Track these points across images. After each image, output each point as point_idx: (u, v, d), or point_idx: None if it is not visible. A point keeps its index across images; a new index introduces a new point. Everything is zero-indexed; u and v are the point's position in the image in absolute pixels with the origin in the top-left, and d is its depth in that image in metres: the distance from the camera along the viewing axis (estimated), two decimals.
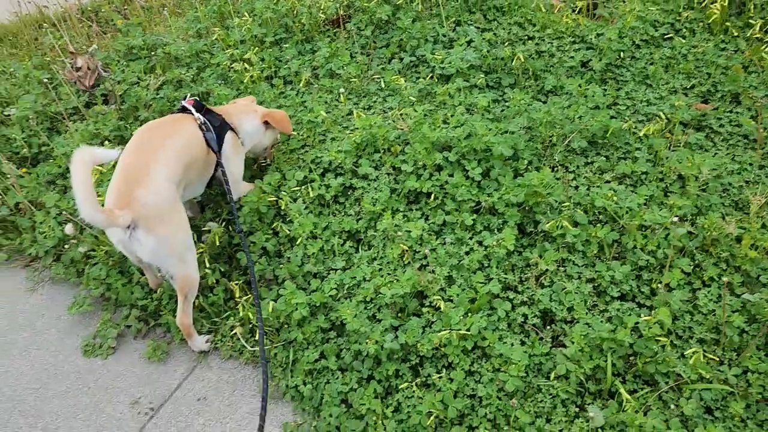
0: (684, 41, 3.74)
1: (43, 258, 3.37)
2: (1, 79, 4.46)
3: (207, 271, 2.86)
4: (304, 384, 2.55)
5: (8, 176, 3.58)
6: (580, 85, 3.43)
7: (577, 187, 2.97)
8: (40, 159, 3.85)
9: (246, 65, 4.00)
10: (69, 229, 3.15)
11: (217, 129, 2.88)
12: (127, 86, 3.99)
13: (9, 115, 3.98)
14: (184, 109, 2.89)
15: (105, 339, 2.95)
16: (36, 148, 3.83)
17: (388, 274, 2.73)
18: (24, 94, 4.17)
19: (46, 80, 4.12)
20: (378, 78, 3.87)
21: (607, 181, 2.98)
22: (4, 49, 5.35)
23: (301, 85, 3.87)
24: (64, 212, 3.32)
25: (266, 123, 3.16)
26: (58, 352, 2.98)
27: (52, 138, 3.85)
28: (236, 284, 2.89)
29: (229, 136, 2.94)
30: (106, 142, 3.51)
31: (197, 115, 2.85)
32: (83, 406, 2.73)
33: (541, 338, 2.45)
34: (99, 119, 3.79)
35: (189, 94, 3.33)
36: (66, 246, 3.27)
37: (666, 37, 3.84)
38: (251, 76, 3.93)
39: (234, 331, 2.79)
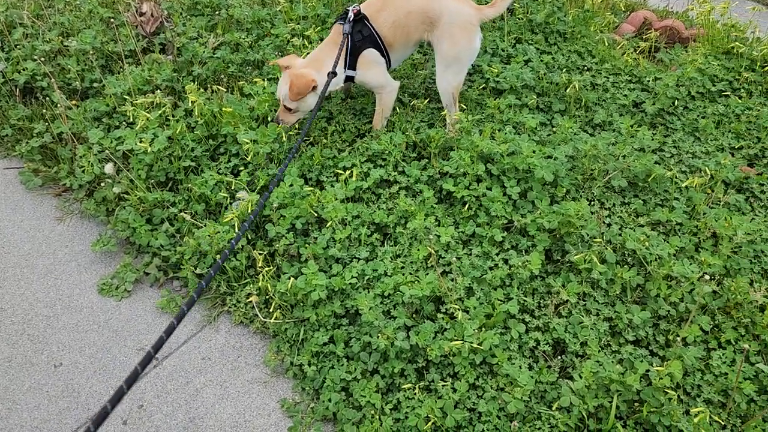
0: (740, 101, 3.73)
1: (77, 191, 3.42)
2: (65, 10, 4.52)
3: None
4: (309, 365, 2.58)
5: (58, 105, 3.63)
6: (630, 125, 3.44)
7: (609, 225, 2.97)
8: (90, 94, 3.89)
9: (305, 41, 4.02)
10: (108, 168, 3.19)
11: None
12: (186, 40, 4.03)
13: (68, 46, 4.03)
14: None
15: (123, 282, 2.99)
16: (88, 83, 3.86)
17: (410, 273, 2.75)
18: (85, 28, 4.23)
19: (109, 19, 4.17)
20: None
21: (641, 225, 2.98)
22: None
23: None
24: (106, 150, 3.36)
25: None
26: (75, 286, 3.02)
27: (105, 76, 3.89)
28: (260, 254, 2.92)
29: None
30: (158, 91, 3.54)
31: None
32: (90, 343, 2.78)
33: (550, 366, 2.47)
34: (154, 67, 3.83)
35: None
36: (101, 184, 3.31)
37: (722, 93, 3.84)
38: (308, 53, 3.94)
39: (249, 299, 2.83)
